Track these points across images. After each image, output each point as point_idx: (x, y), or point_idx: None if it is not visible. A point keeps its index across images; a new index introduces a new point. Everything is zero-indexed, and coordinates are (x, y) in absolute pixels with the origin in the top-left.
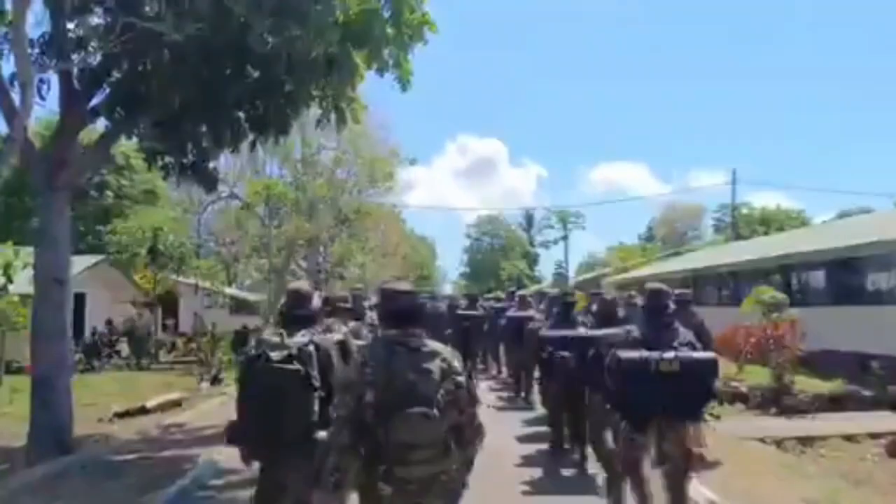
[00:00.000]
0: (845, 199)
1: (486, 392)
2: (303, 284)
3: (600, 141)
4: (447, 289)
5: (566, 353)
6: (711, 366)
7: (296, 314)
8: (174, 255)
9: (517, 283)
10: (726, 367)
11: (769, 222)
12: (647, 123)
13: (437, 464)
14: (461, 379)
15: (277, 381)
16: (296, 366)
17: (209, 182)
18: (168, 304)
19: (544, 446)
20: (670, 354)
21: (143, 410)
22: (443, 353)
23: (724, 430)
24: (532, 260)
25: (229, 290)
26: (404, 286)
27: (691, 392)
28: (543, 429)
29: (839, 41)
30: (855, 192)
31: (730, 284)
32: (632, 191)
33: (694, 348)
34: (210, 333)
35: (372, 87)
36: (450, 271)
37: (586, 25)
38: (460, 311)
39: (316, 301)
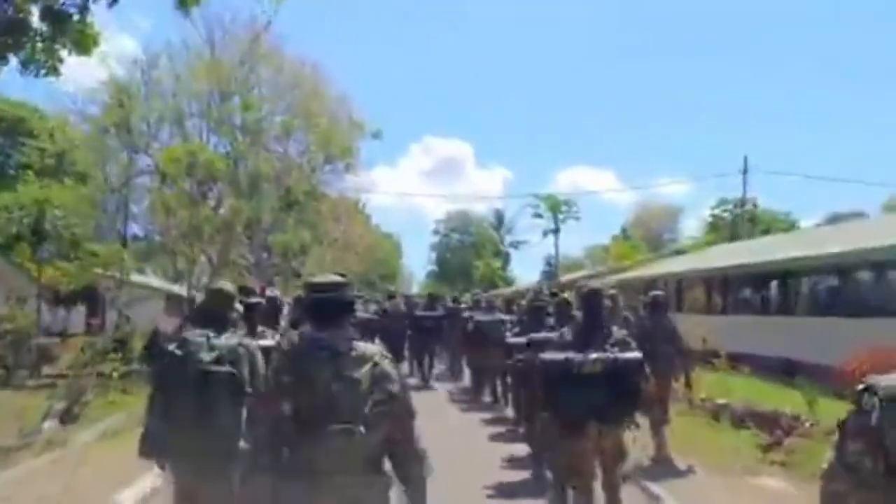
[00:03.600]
0: (830, 203)
1: (447, 401)
2: (226, 284)
3: (566, 144)
4: (414, 289)
5: (520, 357)
6: (637, 366)
7: (214, 314)
8: (63, 237)
9: (489, 284)
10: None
11: (753, 224)
12: (613, 127)
13: (366, 485)
14: (394, 388)
15: (207, 385)
16: (227, 368)
17: None
18: (94, 301)
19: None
20: (593, 355)
21: None
22: (374, 358)
23: None
24: (504, 260)
25: (150, 282)
26: (332, 277)
27: (617, 393)
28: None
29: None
30: (849, 182)
31: (781, 287)
32: (597, 194)
33: (627, 348)
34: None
35: (336, 59)
36: (416, 271)
37: (549, 29)
38: (419, 313)
39: (238, 304)
